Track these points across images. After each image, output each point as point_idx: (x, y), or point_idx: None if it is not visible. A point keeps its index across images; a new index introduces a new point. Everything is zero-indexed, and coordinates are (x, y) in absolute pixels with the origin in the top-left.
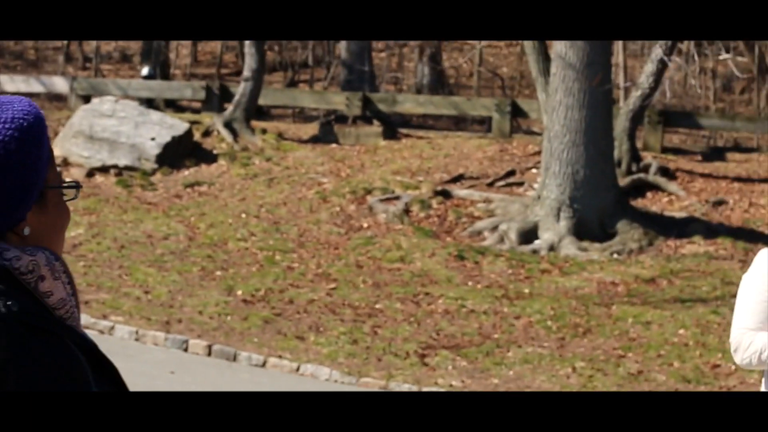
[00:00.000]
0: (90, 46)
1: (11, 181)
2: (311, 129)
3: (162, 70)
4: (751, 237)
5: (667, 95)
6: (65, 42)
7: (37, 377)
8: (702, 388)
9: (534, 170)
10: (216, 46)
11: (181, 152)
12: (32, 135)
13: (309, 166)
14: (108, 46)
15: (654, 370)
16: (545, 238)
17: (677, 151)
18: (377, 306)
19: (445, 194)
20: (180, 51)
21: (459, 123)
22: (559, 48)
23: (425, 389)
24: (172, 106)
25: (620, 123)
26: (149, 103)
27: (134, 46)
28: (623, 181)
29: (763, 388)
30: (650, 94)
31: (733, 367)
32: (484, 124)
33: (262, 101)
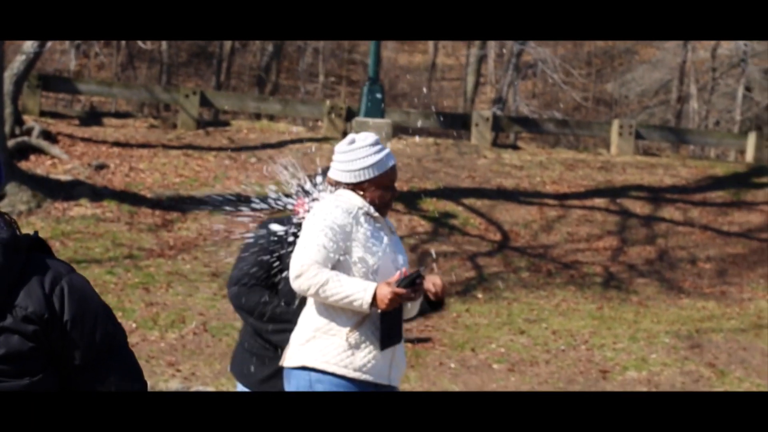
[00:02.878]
0: None
1: None
2: None
3: None
4: (134, 200)
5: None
6: None
7: None
8: None
9: None
10: None
11: None
12: None
13: None
14: None
15: None
16: None
17: (55, 115)
18: None
19: None
20: None
21: None
22: None
23: None
24: None
25: (6, 87)
26: None
27: None
28: (9, 144)
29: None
30: (35, 59)
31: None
32: None
33: None
